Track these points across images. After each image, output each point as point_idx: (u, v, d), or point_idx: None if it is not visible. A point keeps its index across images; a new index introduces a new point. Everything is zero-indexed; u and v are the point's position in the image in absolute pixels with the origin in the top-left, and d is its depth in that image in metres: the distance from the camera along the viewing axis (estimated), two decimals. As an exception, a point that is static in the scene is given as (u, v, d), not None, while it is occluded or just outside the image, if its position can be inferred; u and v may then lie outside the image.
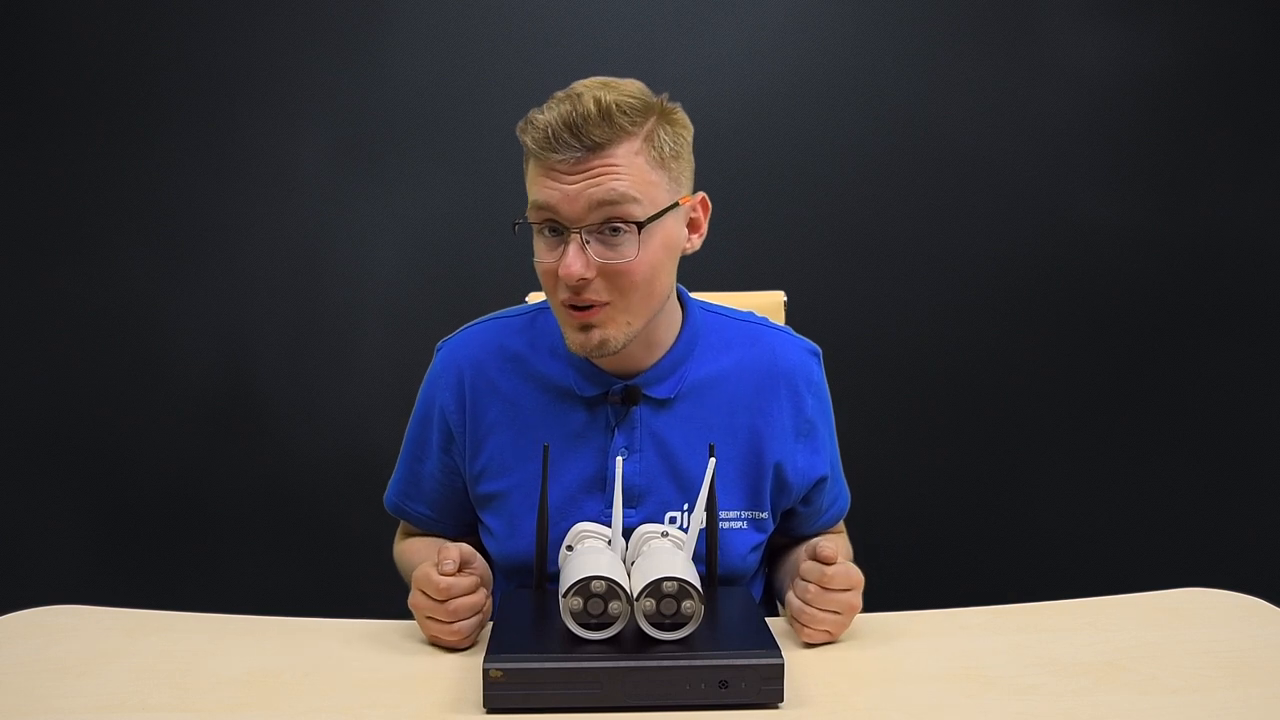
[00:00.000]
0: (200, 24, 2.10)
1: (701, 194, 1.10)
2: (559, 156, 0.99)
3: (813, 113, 2.13)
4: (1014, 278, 2.18)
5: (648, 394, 1.12)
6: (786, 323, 1.40)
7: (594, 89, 1.01)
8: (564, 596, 0.90)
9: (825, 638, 1.02)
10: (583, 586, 0.90)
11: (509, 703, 0.87)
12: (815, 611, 1.00)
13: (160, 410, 2.19)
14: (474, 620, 1.01)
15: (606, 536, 1.05)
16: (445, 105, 2.12)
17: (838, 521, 1.29)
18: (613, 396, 1.12)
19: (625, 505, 1.05)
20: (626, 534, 1.04)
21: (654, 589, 0.89)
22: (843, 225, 2.16)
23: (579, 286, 1.01)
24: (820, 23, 2.12)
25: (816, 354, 1.21)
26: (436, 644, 1.01)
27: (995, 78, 2.13)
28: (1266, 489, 2.25)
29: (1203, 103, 2.15)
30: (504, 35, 2.10)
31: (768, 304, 1.46)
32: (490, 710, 0.87)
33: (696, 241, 1.11)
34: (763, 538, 1.17)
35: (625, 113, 1.00)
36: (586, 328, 1.04)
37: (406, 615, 1.04)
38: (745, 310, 1.23)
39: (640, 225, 1.01)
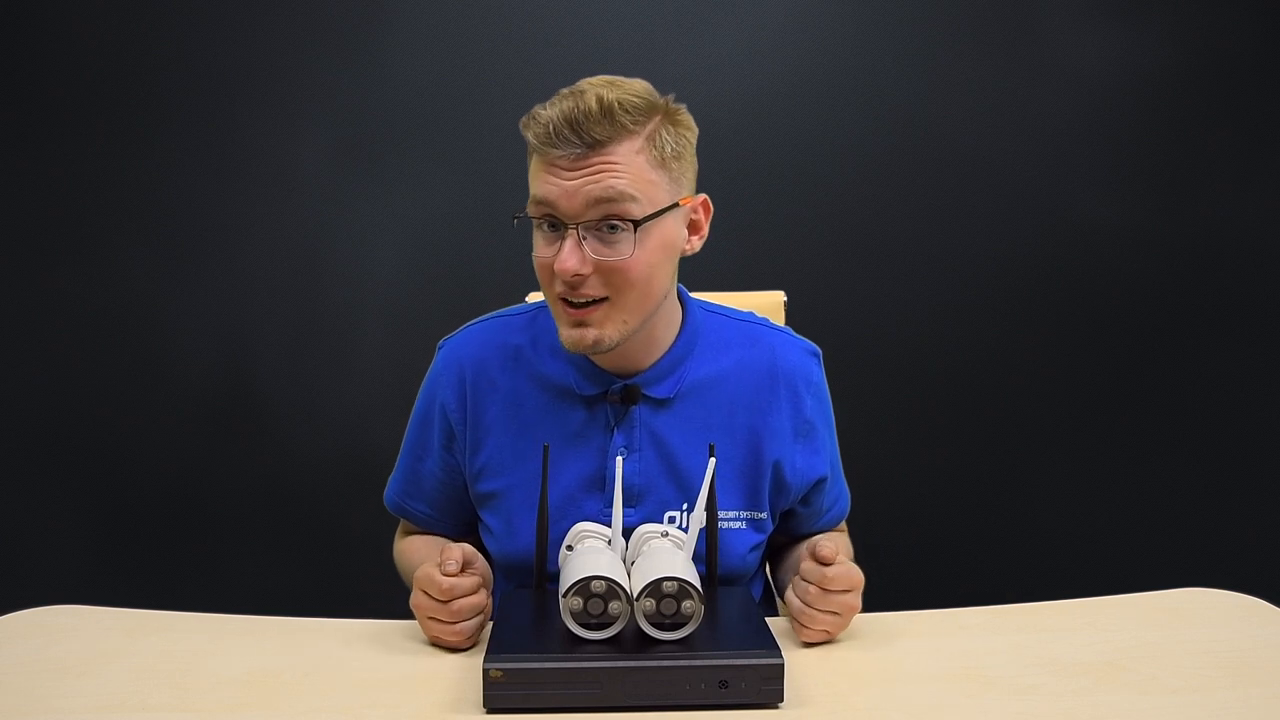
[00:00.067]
0: (200, 24, 2.10)
1: (703, 196, 1.10)
2: (559, 152, 1.00)
3: (813, 113, 2.13)
4: (1014, 278, 2.18)
5: (647, 393, 1.12)
6: (786, 323, 1.40)
7: (598, 86, 1.02)
8: (564, 596, 0.90)
9: (823, 638, 1.02)
10: (583, 586, 0.90)
11: (509, 703, 0.87)
12: (814, 612, 1.00)
13: (160, 410, 2.19)
14: (476, 621, 1.01)
15: (606, 536, 1.05)
16: (445, 105, 2.12)
17: (838, 523, 1.29)
18: (612, 396, 1.12)
19: (624, 504, 1.05)
20: (626, 534, 1.04)
21: (654, 589, 0.89)
22: (843, 225, 2.16)
23: (575, 282, 1.02)
24: (820, 23, 2.12)
25: (816, 354, 1.21)
26: (438, 644, 1.01)
27: (995, 78, 2.13)
28: (1266, 489, 2.25)
29: (1203, 103, 2.15)
30: (504, 35, 2.10)
31: (768, 304, 1.46)
32: (490, 710, 0.87)
33: (697, 243, 1.11)
34: (761, 538, 1.17)
35: (627, 111, 1.00)
36: (580, 324, 1.04)
37: (407, 615, 1.04)
38: (745, 310, 1.23)
39: (637, 224, 1.01)
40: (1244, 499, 2.25)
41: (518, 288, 1.46)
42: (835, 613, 1.01)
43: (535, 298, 1.41)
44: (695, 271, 1.21)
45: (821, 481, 1.19)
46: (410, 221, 2.15)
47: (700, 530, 1.00)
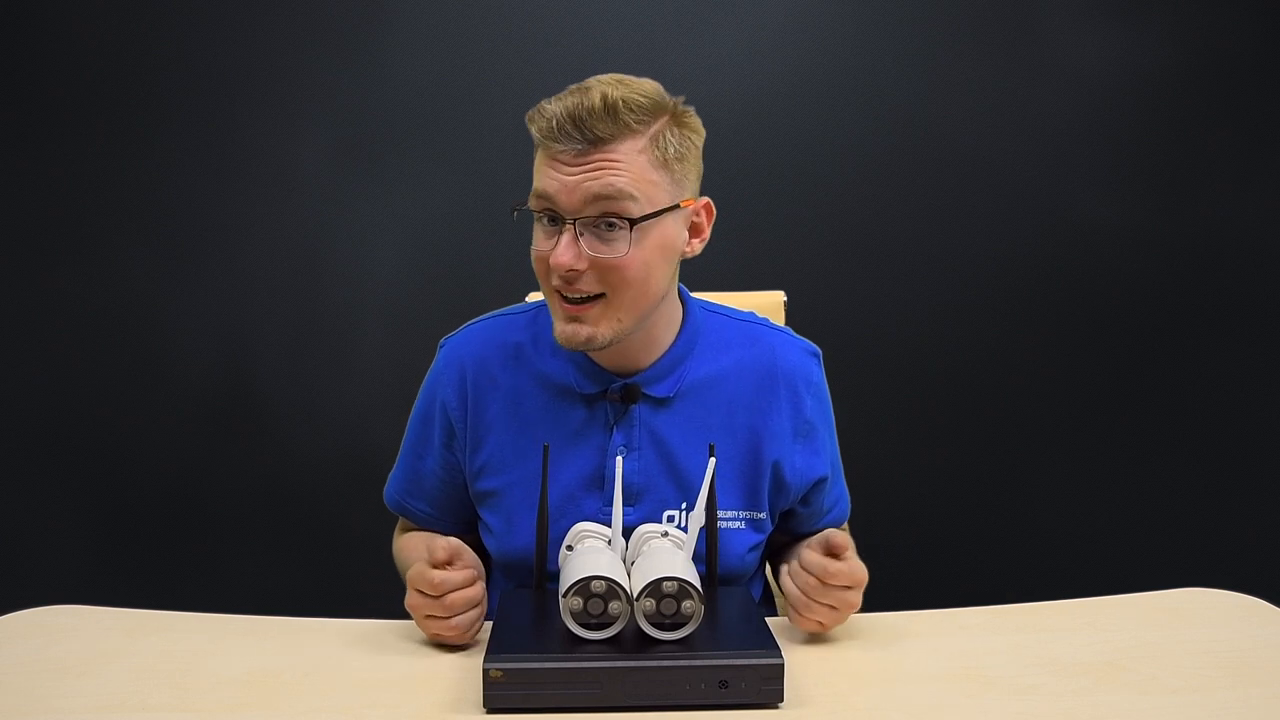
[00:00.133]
0: (200, 24, 2.10)
1: (706, 199, 1.10)
2: (561, 147, 1.00)
3: (813, 113, 2.13)
4: (1014, 278, 2.18)
5: (647, 392, 1.12)
6: (786, 323, 1.40)
7: (605, 84, 1.02)
8: (564, 596, 0.90)
9: (817, 628, 1.02)
10: (583, 586, 0.90)
11: (509, 703, 0.87)
12: (810, 602, 1.00)
13: (160, 410, 2.19)
14: (472, 614, 1.00)
15: (606, 536, 1.05)
16: (445, 105, 2.12)
17: (839, 525, 1.28)
18: (612, 394, 1.12)
19: (623, 503, 1.05)
20: (625, 533, 1.04)
21: (654, 589, 0.89)
22: (843, 225, 2.16)
23: (570, 277, 1.02)
24: (820, 23, 2.12)
25: (816, 355, 1.21)
26: (438, 643, 1.01)
27: (995, 78, 2.13)
28: (1266, 489, 2.25)
29: (1203, 103, 2.15)
30: (504, 35, 2.10)
31: (768, 304, 1.46)
32: (490, 710, 0.87)
33: (698, 246, 1.11)
34: (761, 538, 1.17)
35: (631, 110, 1.00)
36: (575, 320, 1.04)
37: (407, 615, 1.04)
38: (746, 310, 1.23)
39: (634, 223, 1.01)
40: (1244, 499, 2.25)
41: (518, 287, 1.46)
42: (833, 606, 1.00)
43: (536, 297, 1.41)
44: (695, 271, 1.21)
45: (821, 481, 1.19)
46: (410, 221, 2.15)
47: (700, 530, 1.00)
